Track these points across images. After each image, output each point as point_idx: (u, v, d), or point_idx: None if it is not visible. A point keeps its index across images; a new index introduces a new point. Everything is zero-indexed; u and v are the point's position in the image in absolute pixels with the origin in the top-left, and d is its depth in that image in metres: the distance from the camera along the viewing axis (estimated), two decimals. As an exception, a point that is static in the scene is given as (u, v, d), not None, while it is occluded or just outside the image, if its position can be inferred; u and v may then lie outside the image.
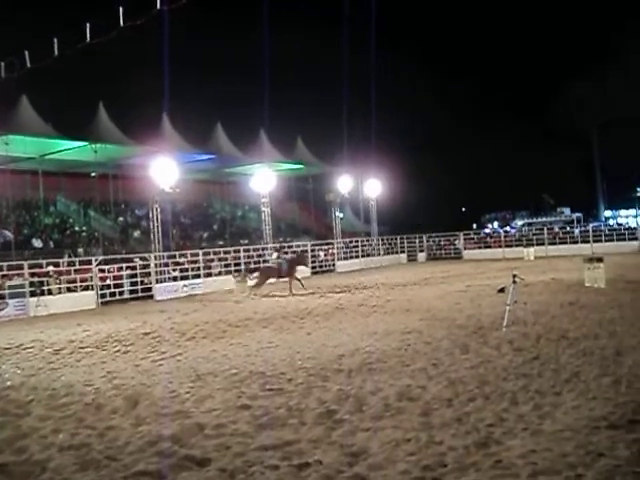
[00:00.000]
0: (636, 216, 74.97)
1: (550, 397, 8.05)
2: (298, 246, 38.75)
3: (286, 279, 26.46)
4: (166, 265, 30.51)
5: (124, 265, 28.67)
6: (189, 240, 40.75)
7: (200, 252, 32.51)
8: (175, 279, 30.03)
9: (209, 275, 31.81)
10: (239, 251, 34.94)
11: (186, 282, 29.85)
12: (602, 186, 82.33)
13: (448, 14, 77.67)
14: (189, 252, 32.95)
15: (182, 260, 31.84)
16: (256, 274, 27.21)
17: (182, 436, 7.24)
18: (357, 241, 45.38)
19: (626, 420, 6.93)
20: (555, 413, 7.37)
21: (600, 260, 20.57)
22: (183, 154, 35.79)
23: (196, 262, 31.70)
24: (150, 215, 32.67)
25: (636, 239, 42.70)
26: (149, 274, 28.80)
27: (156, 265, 29.34)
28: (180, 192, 33.44)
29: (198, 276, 31.06)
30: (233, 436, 7.21)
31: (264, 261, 34.63)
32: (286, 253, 30.18)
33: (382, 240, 48.37)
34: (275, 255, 28.66)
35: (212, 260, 33.24)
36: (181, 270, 30.82)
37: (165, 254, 31.46)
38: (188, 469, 6.28)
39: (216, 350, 13.16)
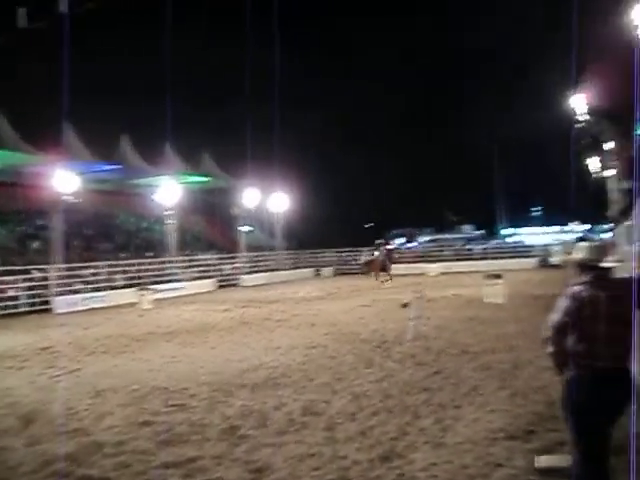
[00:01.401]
0: (534, 234, 77.72)
1: (451, 410, 8.20)
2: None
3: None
4: (67, 277, 29.62)
5: (21, 277, 27.66)
6: (92, 252, 39.67)
7: (103, 264, 31.72)
8: (76, 292, 29.18)
9: (112, 288, 31.08)
10: (143, 264, 34.31)
11: (88, 295, 29.05)
12: (502, 204, 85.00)
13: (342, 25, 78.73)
14: (92, 264, 32.10)
15: (84, 272, 30.99)
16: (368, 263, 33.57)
17: (79, 455, 6.99)
18: (263, 255, 45.32)
19: (523, 431, 7.15)
20: (456, 426, 7.51)
21: (499, 277, 21.17)
22: (87, 164, 34.95)
23: (99, 274, 30.91)
24: (50, 226, 31.68)
25: (534, 256, 44.28)
26: (48, 286, 27.89)
27: (56, 277, 28.45)
28: (83, 202, 32.68)
29: (101, 289, 30.31)
30: (133, 454, 7.02)
31: (175, 274, 34.71)
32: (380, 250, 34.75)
33: (288, 254, 48.47)
34: (377, 252, 34.09)
35: (115, 273, 32.51)
36: (83, 282, 29.98)
37: (66, 266, 30.54)
38: (85, 489, 6.07)
39: (117, 365, 12.84)
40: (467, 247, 51.77)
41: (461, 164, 77.10)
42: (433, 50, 78.59)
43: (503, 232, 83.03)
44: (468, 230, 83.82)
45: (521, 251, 47.02)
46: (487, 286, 21.02)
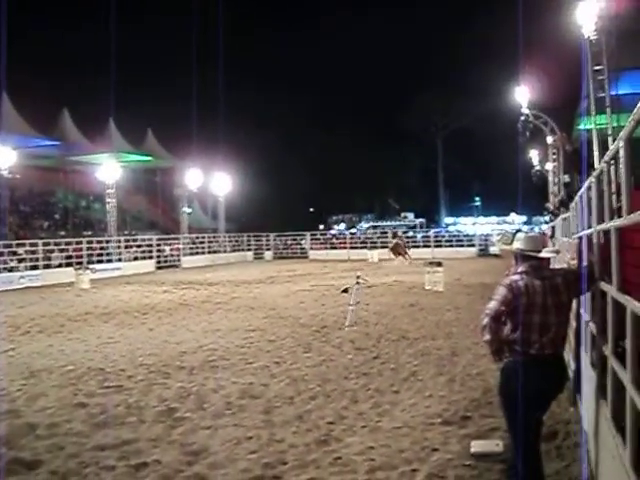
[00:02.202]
0: (474, 224, 78.99)
1: (389, 395, 8.28)
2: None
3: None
4: (1, 254, 28.92)
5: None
6: (28, 229, 38.86)
7: (40, 242, 31.08)
8: (11, 270, 28.53)
9: (49, 267, 30.47)
10: (81, 242, 33.75)
11: (23, 273, 28.43)
12: (444, 194, 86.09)
13: (299, 13, 78.72)
14: (28, 242, 31.39)
15: (20, 250, 30.30)
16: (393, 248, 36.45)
17: (11, 437, 6.80)
18: (204, 237, 45.02)
19: (459, 417, 7.26)
20: (393, 411, 7.58)
21: (439, 264, 21.43)
22: (24, 138, 34.11)
23: (35, 252, 30.28)
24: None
25: (474, 245, 44.99)
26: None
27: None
28: (21, 178, 31.86)
29: (37, 267, 29.69)
30: (67, 436, 6.88)
31: (108, 254, 34.15)
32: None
33: (229, 237, 48.25)
34: (395, 239, 38.16)
35: (53, 251, 31.88)
36: (18, 260, 29.33)
37: (1, 243, 29.81)
38: (16, 473, 5.90)
39: (52, 345, 12.58)
40: (408, 235, 52.30)
41: (404, 152, 77.75)
42: (381, 38, 79.07)
43: (444, 221, 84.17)
44: (410, 218, 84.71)
45: (461, 240, 47.75)
46: (428, 274, 21.25)
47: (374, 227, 74.14)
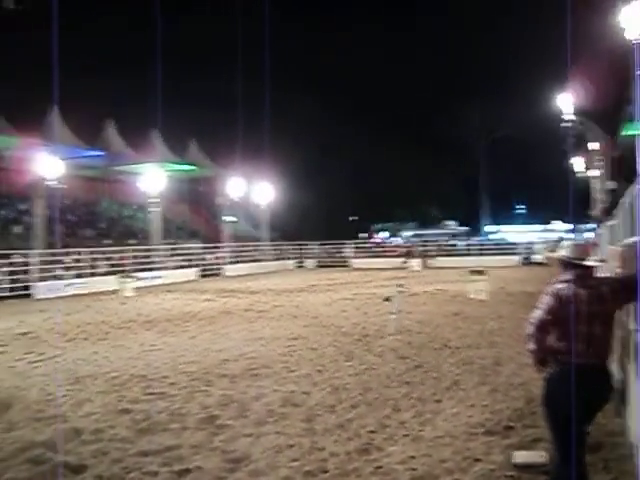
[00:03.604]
0: (517, 232, 78.07)
1: (431, 404, 8.22)
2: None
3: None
4: (49, 263, 29.43)
5: (2, 262, 27.46)
6: (74, 238, 39.44)
7: (86, 251, 31.56)
8: (58, 278, 29.01)
9: (94, 275, 30.92)
10: (126, 251, 34.18)
11: (70, 281, 28.89)
12: (487, 201, 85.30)
13: (341, 20, 78.87)
14: (74, 250, 31.89)
15: (66, 258, 30.80)
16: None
17: (57, 442, 6.93)
18: (246, 246, 45.26)
19: (502, 427, 7.17)
20: (435, 420, 7.52)
21: (483, 273, 21.24)
22: (72, 149, 34.69)
23: (81, 261, 30.75)
24: (33, 210, 31.46)
25: (517, 254, 44.47)
26: (29, 272, 27.72)
27: (38, 262, 28.27)
28: (67, 188, 32.42)
29: (82, 275, 30.15)
30: (111, 441, 6.98)
31: (151, 262, 34.81)
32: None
33: (272, 246, 48.43)
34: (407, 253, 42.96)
35: (98, 259, 32.35)
36: (65, 268, 29.82)
37: (48, 251, 30.34)
38: (62, 476, 6.01)
39: (97, 352, 12.76)
40: (450, 243, 51.95)
41: (447, 160, 77.22)
42: (425, 48, 78.83)
43: (487, 229, 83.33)
44: (452, 226, 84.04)
45: (504, 248, 47.20)
46: (471, 282, 21.09)
47: (416, 235, 73.63)
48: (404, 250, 43.84)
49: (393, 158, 73.53)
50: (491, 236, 73.54)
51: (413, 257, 41.26)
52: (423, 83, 79.23)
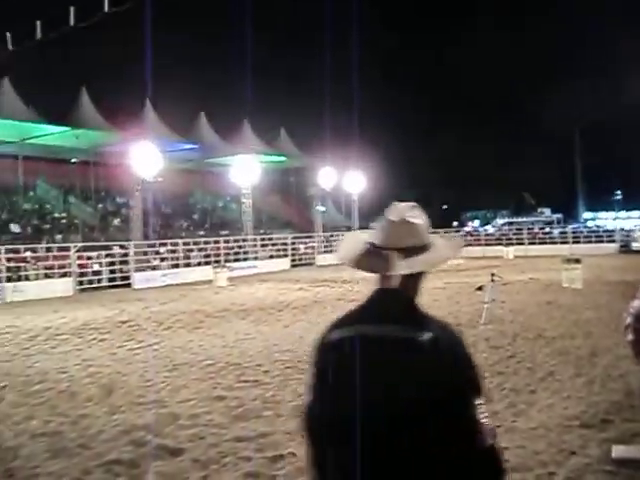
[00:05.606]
0: (615, 219, 75.54)
1: (525, 395, 8.09)
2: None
3: None
4: (145, 254, 30.37)
5: (103, 252, 28.49)
6: (169, 229, 40.52)
7: (180, 242, 32.40)
8: (154, 268, 29.90)
9: (188, 265, 31.72)
10: (219, 242, 34.89)
11: (165, 272, 29.72)
12: (582, 188, 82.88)
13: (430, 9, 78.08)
14: (169, 241, 32.80)
15: (162, 249, 31.70)
16: None
17: (156, 425, 7.18)
18: (338, 235, 45.40)
19: (598, 419, 6.97)
20: (529, 411, 7.40)
21: (578, 261, 20.68)
22: (166, 142, 35.59)
23: (176, 252, 31.61)
24: (131, 203, 32.49)
25: (614, 241, 43.05)
26: (128, 262, 28.67)
27: (135, 253, 29.20)
28: (162, 181, 33.31)
29: (177, 266, 30.97)
30: (207, 427, 7.17)
31: (244, 252, 35.19)
32: None
33: (364, 234, 48.37)
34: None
35: (192, 250, 33.15)
36: (161, 259, 30.71)
37: (145, 243, 31.30)
38: (161, 458, 6.22)
39: (193, 340, 13.11)
40: (545, 231, 50.73)
41: (541, 147, 75.47)
42: (516, 29, 77.22)
43: (583, 216, 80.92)
44: (546, 213, 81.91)
45: (601, 236, 45.69)
46: (565, 271, 20.57)
47: (509, 223, 72.22)
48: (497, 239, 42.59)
49: (486, 145, 72.49)
50: (587, 223, 71.39)
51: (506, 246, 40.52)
52: (518, 68, 77.80)
